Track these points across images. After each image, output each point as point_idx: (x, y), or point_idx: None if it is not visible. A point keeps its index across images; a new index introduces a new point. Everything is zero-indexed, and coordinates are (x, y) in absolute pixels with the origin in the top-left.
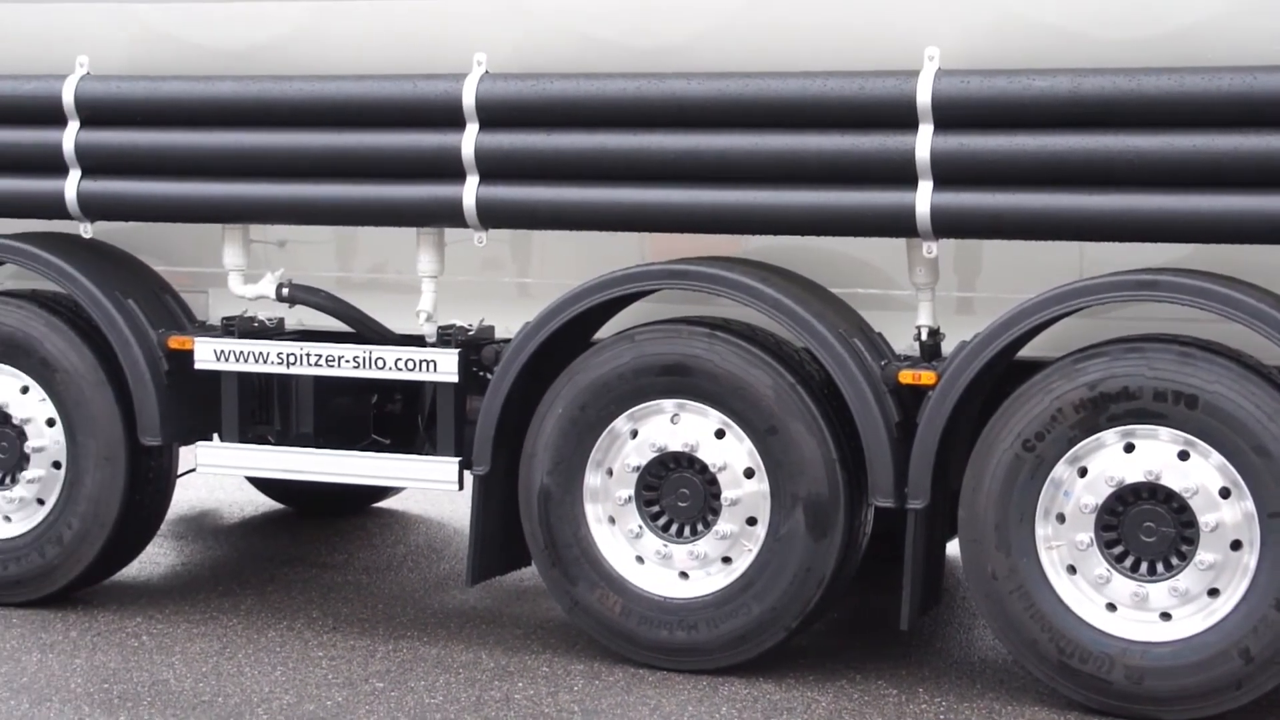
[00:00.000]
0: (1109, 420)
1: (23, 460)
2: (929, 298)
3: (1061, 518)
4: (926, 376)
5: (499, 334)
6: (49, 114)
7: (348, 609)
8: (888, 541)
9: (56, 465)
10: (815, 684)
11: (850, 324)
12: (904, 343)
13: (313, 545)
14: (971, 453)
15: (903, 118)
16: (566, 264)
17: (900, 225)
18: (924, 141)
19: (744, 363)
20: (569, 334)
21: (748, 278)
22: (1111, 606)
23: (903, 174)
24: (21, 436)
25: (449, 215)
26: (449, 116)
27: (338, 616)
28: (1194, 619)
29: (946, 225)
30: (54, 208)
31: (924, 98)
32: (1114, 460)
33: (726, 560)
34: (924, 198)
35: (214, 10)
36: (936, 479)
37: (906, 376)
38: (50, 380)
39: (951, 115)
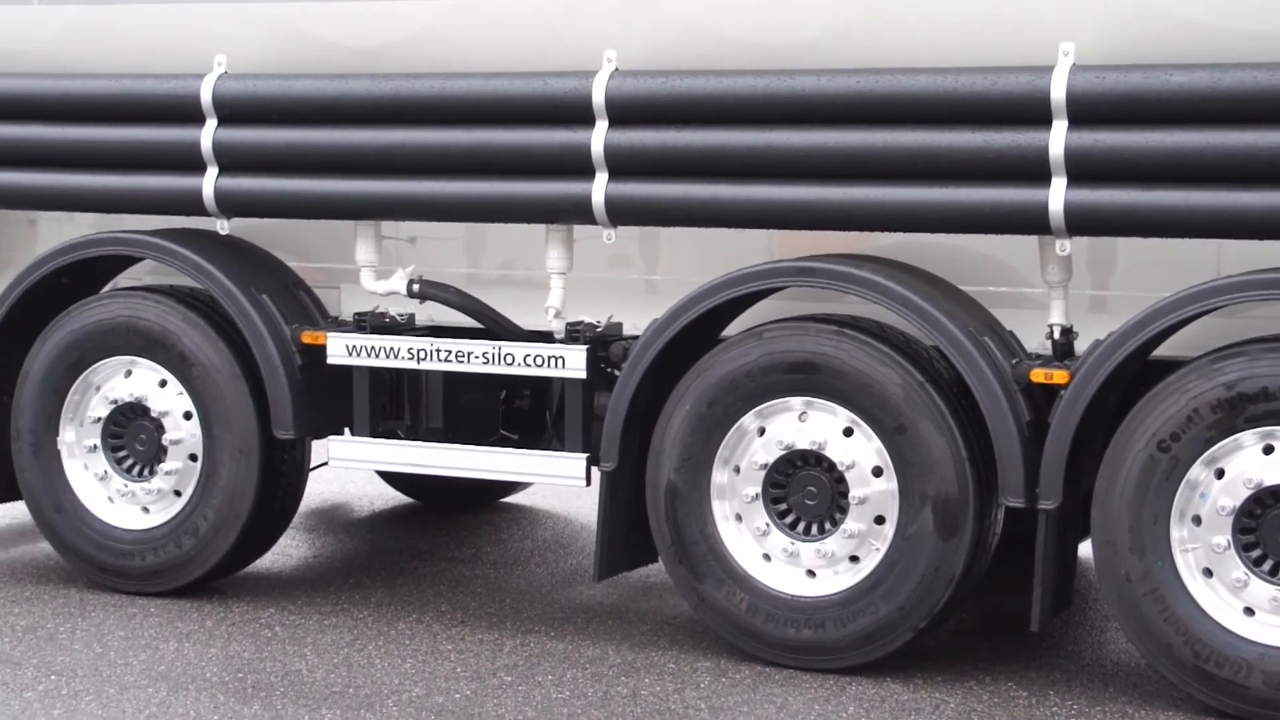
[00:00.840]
0: (1247, 421)
1: (160, 452)
2: (1062, 296)
3: (1198, 520)
4: (1059, 375)
5: (627, 330)
6: (188, 112)
7: (476, 603)
8: (1018, 542)
9: (193, 458)
10: (944, 685)
11: (980, 322)
12: (1036, 341)
13: (441, 539)
14: (1105, 453)
15: (1036, 113)
16: (694, 261)
17: (1033, 222)
18: (1058, 138)
19: (873, 361)
20: (697, 331)
21: (876, 275)
22: (1249, 611)
23: (1036, 170)
24: (159, 429)
25: (578, 212)
26: (579, 113)
27: (466, 610)
28: None
29: (1080, 222)
30: (192, 204)
31: (1058, 93)
32: (1252, 462)
33: (854, 559)
34: (1057, 195)
35: (348, 9)
36: (1068, 479)
37: (1038, 375)
38: (187, 374)
39: (1086, 111)
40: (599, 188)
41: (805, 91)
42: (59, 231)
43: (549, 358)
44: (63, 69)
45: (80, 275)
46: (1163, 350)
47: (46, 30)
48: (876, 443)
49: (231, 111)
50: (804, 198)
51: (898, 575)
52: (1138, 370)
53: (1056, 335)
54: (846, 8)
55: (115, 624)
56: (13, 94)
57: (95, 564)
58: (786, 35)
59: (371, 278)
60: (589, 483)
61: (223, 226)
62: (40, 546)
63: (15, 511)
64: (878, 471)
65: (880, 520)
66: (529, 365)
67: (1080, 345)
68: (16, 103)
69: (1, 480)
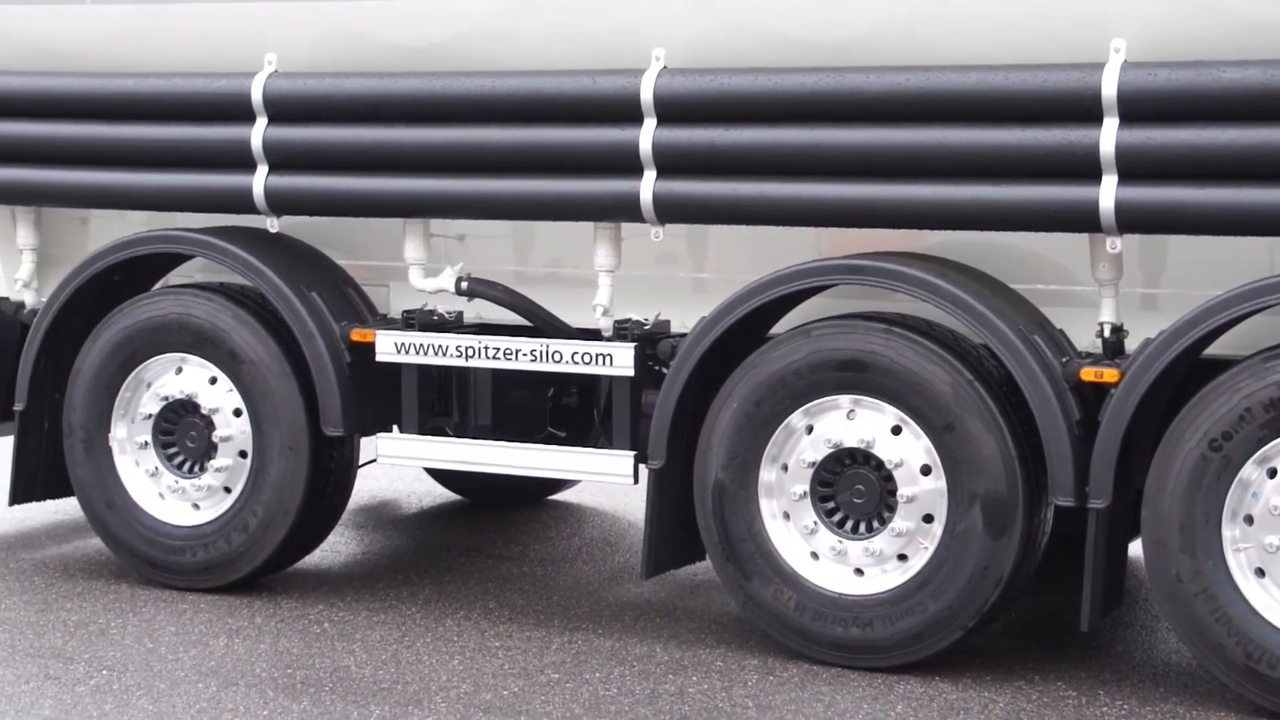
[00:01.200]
0: None
1: (211, 449)
2: (1112, 294)
3: (1250, 519)
4: (1109, 374)
5: (674, 328)
6: (238, 111)
7: (523, 600)
8: (1067, 541)
9: (243, 454)
10: (992, 684)
11: (1030, 320)
12: (1086, 340)
13: (489, 536)
14: (1155, 452)
15: (1087, 111)
16: (742, 259)
17: (1083, 220)
18: (1109, 135)
19: (921, 359)
20: (744, 329)
21: (925, 273)
22: None
23: (1086, 168)
24: (210, 426)
25: (626, 210)
26: (627, 111)
27: (514, 607)
28: None
29: (1131, 220)
30: (242, 202)
31: (1109, 90)
32: None
33: (902, 558)
34: (1108, 192)
35: (397, 7)
36: (1119, 478)
37: (1088, 374)
38: (237, 371)
39: (1138, 108)
40: (647, 186)
41: (855, 89)
42: (110, 229)
43: (597, 355)
44: (115, 68)
45: (131, 273)
46: (1214, 349)
47: (99, 29)
48: (925, 441)
49: (282, 110)
50: (852, 195)
51: (946, 574)
52: (1189, 369)
53: (1107, 333)
54: (895, 4)
55: (166, 619)
56: (66, 93)
57: (146, 560)
58: (835, 32)
59: (420, 275)
60: (636, 480)
61: (272, 224)
62: (92, 542)
63: (67, 507)
64: (926, 470)
65: (929, 519)
66: (577, 363)
67: (1131, 344)
68: (69, 101)
69: (54, 476)
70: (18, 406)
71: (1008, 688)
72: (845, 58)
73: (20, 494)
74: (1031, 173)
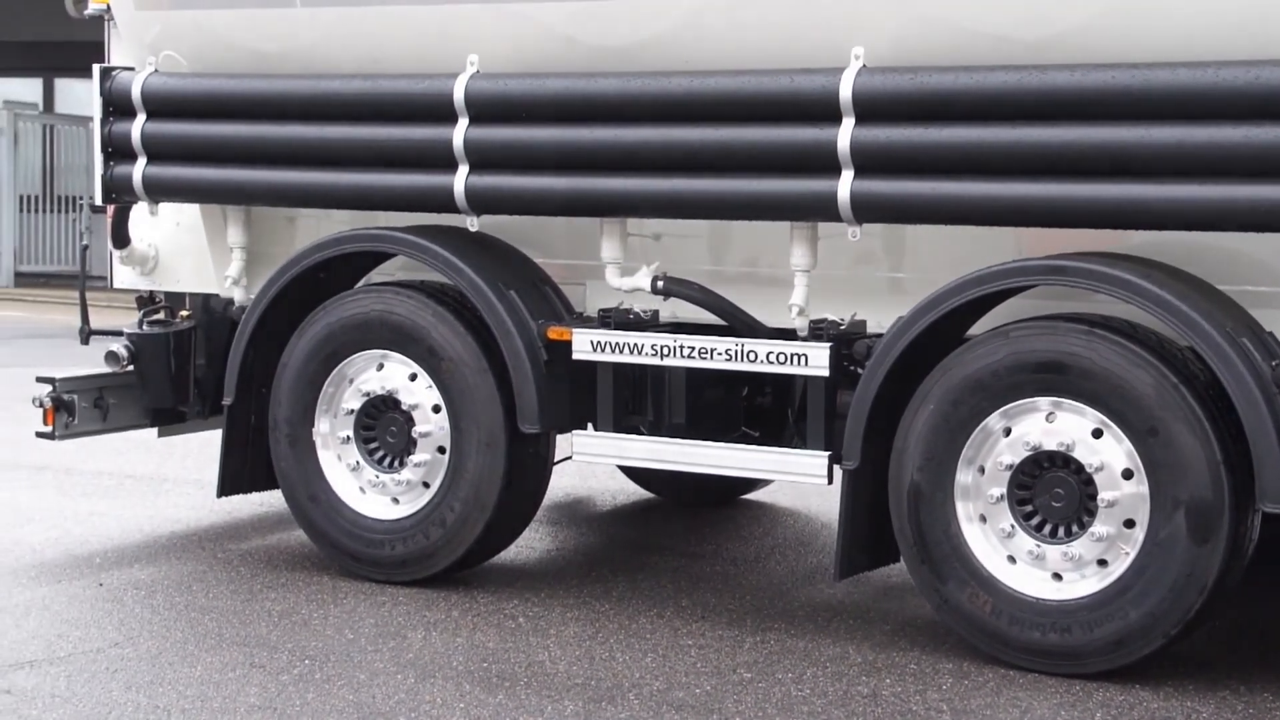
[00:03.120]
0: None
1: (410, 444)
2: None
3: None
4: None
5: (870, 328)
6: (441, 111)
7: (716, 599)
8: (1277, 549)
9: (441, 450)
10: (1196, 694)
11: (1238, 322)
12: None
13: (682, 535)
14: None
15: None
16: (940, 259)
17: None
18: None
19: (1124, 361)
20: (941, 329)
21: (1129, 274)
22: None
23: None
24: (409, 422)
25: (824, 210)
26: (826, 111)
27: (706, 606)
28: None
29: None
30: (443, 202)
31: None
32: None
33: (1102, 563)
34: None
35: (598, 8)
36: None
37: None
38: (436, 368)
39: None
40: (845, 185)
41: (1058, 86)
42: (316, 228)
43: (792, 355)
44: (322, 70)
45: (335, 270)
46: None
47: (307, 32)
48: (1127, 444)
49: (483, 110)
50: (1055, 195)
51: (1148, 580)
52: None
53: None
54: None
55: (366, 611)
56: (275, 94)
57: (347, 552)
58: (1038, 29)
59: (616, 274)
60: (830, 481)
61: (472, 224)
62: (295, 534)
63: (271, 500)
64: (1128, 474)
65: (1130, 524)
66: (772, 362)
67: None
68: (278, 103)
69: (259, 469)
70: (226, 401)
71: (1212, 698)
72: (1048, 54)
73: (227, 486)
74: (1242, 171)
